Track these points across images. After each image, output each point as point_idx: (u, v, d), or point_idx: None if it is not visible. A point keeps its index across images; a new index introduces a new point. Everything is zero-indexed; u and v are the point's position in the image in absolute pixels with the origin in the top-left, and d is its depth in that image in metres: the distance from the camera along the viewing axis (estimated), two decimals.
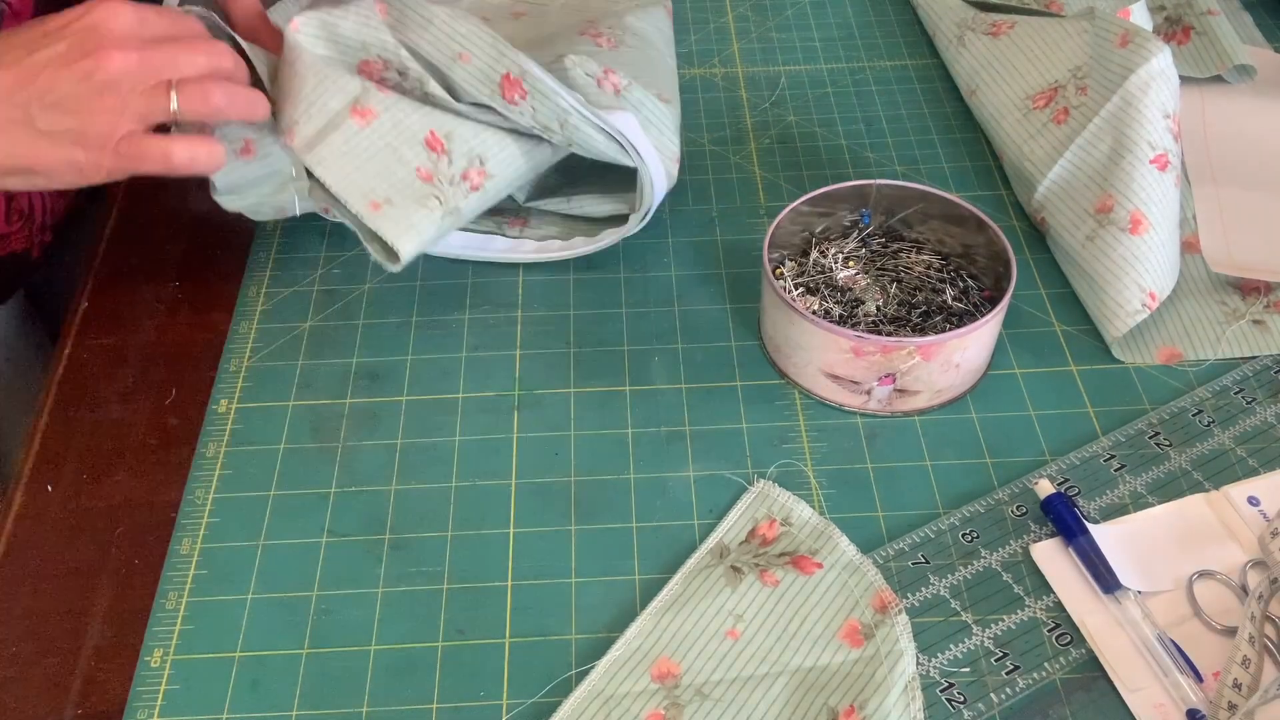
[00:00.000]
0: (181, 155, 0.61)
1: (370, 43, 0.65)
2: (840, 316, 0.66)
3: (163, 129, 0.61)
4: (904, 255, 0.70)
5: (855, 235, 0.71)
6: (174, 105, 0.59)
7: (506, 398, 0.66)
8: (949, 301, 0.67)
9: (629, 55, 0.75)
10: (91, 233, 0.77)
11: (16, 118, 0.58)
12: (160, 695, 0.53)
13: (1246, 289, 0.70)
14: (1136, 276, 0.66)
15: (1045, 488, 0.59)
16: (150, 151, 0.60)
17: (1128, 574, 0.55)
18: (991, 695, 0.53)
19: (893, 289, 0.68)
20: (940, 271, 0.69)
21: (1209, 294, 0.70)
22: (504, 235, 0.73)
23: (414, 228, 0.65)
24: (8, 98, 0.58)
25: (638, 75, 0.72)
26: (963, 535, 0.59)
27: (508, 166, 0.67)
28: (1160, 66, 0.67)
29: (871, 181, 0.69)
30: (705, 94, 0.87)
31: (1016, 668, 0.53)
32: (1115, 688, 0.52)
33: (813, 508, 0.59)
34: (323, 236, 0.75)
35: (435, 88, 0.65)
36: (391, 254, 0.65)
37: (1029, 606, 0.56)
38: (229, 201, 0.67)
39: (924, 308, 0.67)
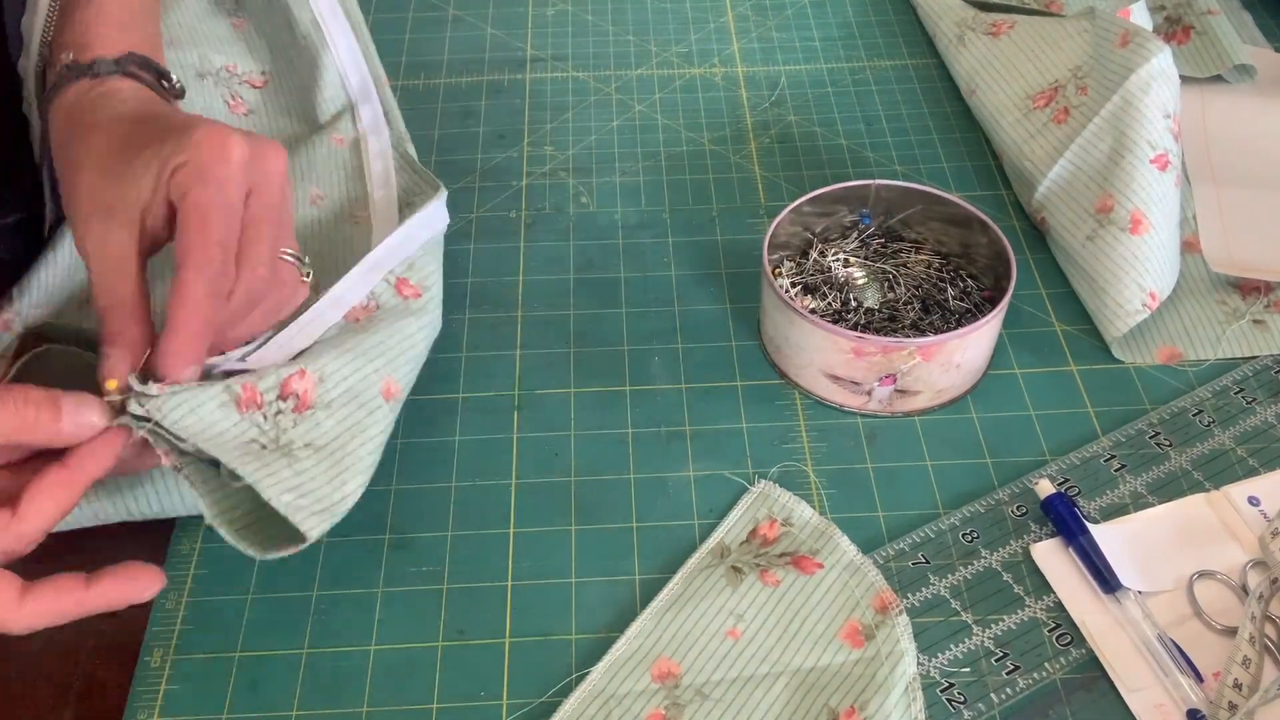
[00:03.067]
0: None
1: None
2: (838, 315, 0.66)
3: None
4: (904, 255, 0.70)
5: (855, 235, 0.71)
6: None
7: (506, 398, 0.66)
8: (949, 301, 0.67)
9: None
10: None
11: None
12: (160, 695, 0.53)
13: (1246, 289, 0.70)
14: (1137, 276, 0.66)
15: (1045, 488, 0.59)
16: None
17: (1128, 574, 0.55)
18: (992, 695, 0.53)
19: (896, 290, 0.68)
20: (940, 271, 0.69)
21: (1209, 294, 0.70)
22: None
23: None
24: None
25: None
26: (963, 535, 0.59)
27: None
28: (1160, 66, 0.67)
29: (871, 181, 0.69)
30: (705, 94, 0.87)
31: (1017, 668, 0.53)
32: (1115, 688, 0.52)
33: (813, 508, 0.59)
34: None
35: None
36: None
37: (1029, 606, 0.56)
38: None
39: (922, 306, 0.67)
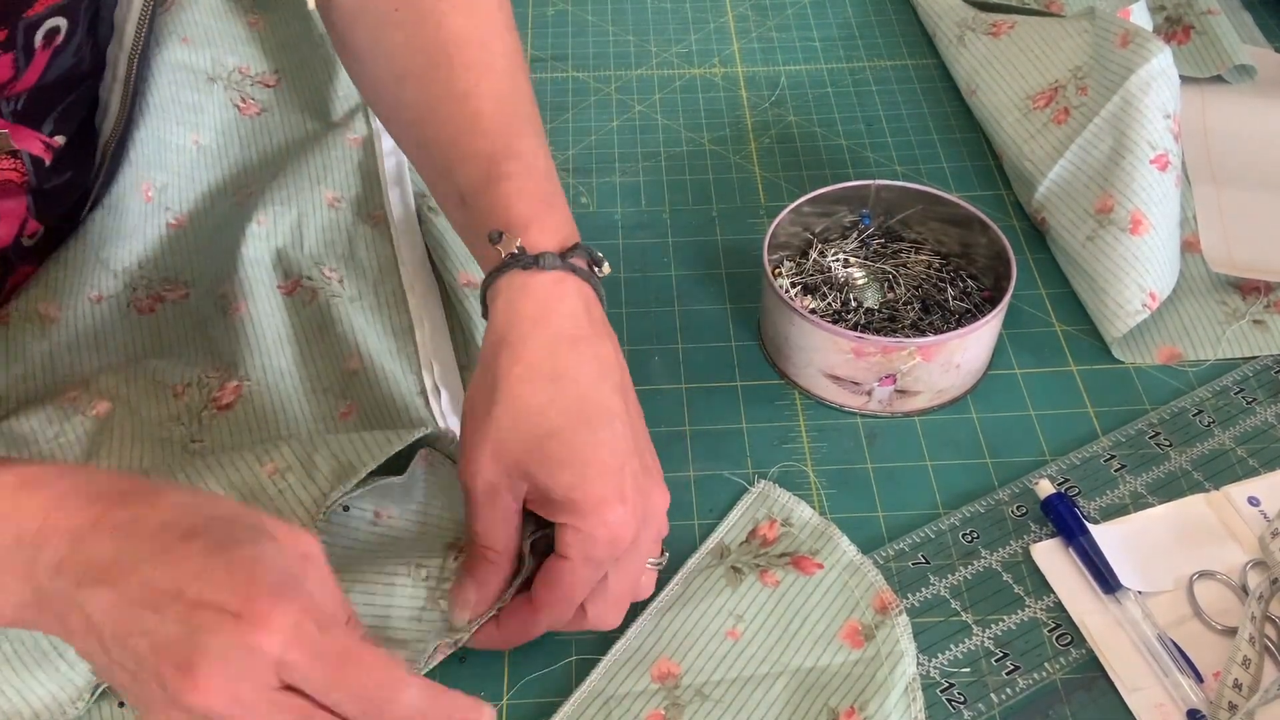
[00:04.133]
0: None
1: None
2: (838, 315, 0.66)
3: None
4: (904, 255, 0.70)
5: (855, 235, 0.71)
6: None
7: None
8: (949, 301, 0.67)
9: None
10: None
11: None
12: None
13: (1246, 289, 0.70)
14: (1137, 276, 0.66)
15: (1045, 488, 0.59)
16: None
17: (1128, 574, 0.55)
18: (992, 695, 0.53)
19: (896, 290, 0.68)
20: (940, 271, 0.69)
21: (1209, 294, 0.70)
22: None
23: None
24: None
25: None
26: (963, 535, 0.59)
27: None
28: (1161, 66, 0.67)
29: (871, 181, 0.69)
30: (705, 94, 0.87)
31: (1017, 668, 0.53)
32: (1115, 688, 0.52)
33: (813, 508, 0.59)
34: None
35: None
36: None
37: (1029, 606, 0.56)
38: None
39: (922, 306, 0.67)
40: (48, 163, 0.61)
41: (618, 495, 0.48)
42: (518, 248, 0.52)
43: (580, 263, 0.53)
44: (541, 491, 0.49)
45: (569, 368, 0.50)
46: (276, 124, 0.77)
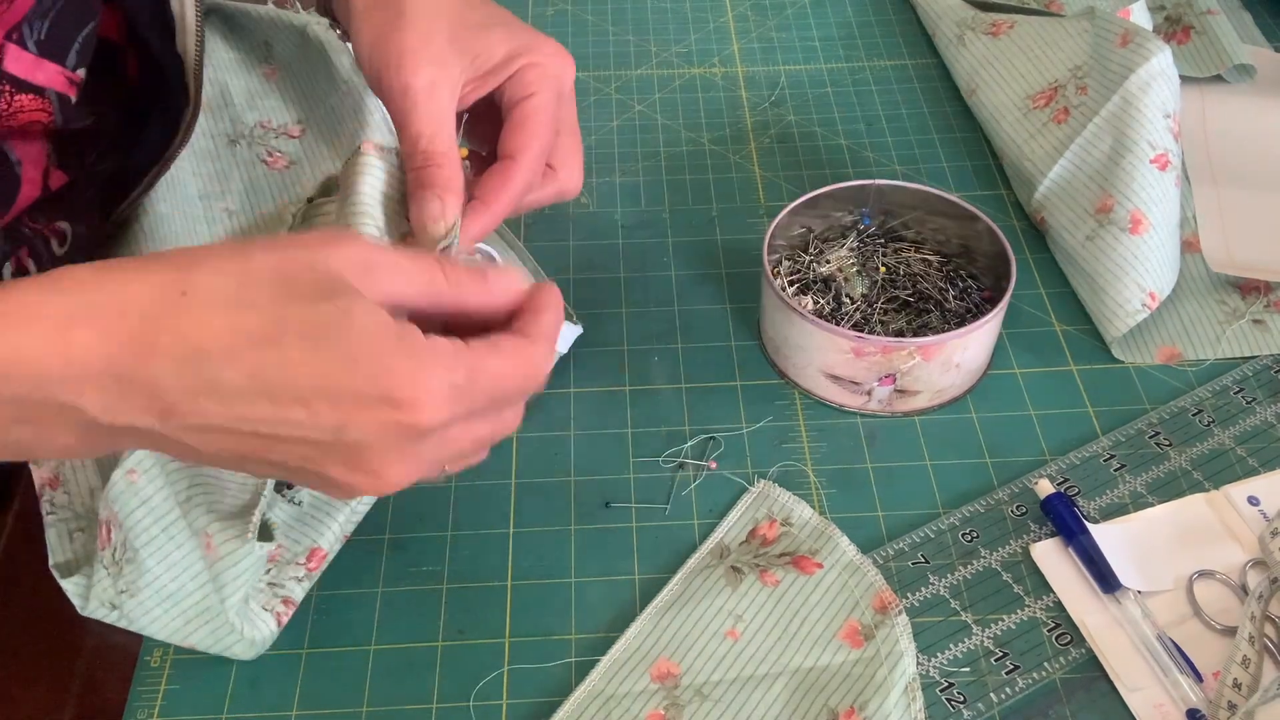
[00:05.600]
0: None
1: None
2: (834, 312, 0.66)
3: None
4: (904, 255, 0.70)
5: (855, 235, 0.71)
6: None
7: None
8: (949, 301, 0.67)
9: None
10: None
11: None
12: (160, 695, 0.53)
13: (1246, 289, 0.70)
14: (1136, 276, 0.66)
15: (1045, 487, 0.59)
16: None
17: (1128, 574, 0.55)
18: (991, 695, 0.53)
19: (895, 290, 0.68)
20: (940, 271, 0.69)
21: (1209, 294, 0.70)
22: None
23: None
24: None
25: None
26: (963, 535, 0.59)
27: None
28: (1160, 66, 0.67)
29: (871, 181, 0.69)
30: (705, 94, 0.87)
31: (1016, 667, 0.53)
32: (1115, 688, 0.52)
33: (813, 508, 0.59)
34: None
35: None
36: None
37: (1029, 606, 0.56)
38: None
39: (920, 304, 0.67)
40: (73, 99, 0.59)
41: (561, 46, 0.53)
42: None
43: None
44: (479, 57, 0.51)
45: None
46: (308, 176, 0.74)
